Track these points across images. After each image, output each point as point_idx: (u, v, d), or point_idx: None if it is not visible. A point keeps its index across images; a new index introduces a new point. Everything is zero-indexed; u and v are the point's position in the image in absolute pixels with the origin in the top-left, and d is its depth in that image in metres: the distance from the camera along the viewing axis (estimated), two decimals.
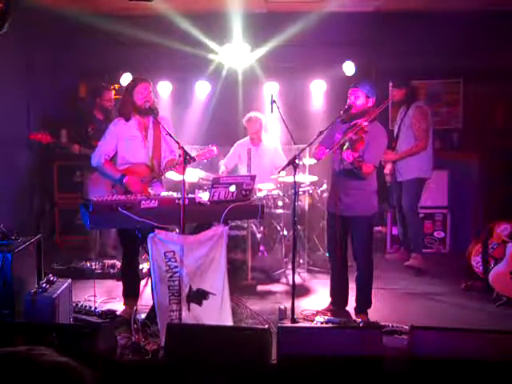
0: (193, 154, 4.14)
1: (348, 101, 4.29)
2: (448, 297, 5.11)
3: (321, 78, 6.87)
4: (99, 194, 4.01)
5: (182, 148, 3.86)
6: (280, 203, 5.86)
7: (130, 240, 4.38)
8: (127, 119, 4.34)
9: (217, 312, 3.95)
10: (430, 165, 5.97)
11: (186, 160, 3.80)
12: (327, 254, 5.69)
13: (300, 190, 5.74)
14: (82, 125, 6.02)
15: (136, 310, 4.38)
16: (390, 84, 5.93)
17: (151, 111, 4.24)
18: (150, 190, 4.26)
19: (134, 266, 4.59)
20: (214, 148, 4.48)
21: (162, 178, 4.53)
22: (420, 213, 6.80)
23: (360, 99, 4.24)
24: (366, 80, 4.48)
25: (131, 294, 4.55)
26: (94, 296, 4.69)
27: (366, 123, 4.13)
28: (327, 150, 4.36)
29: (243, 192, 4.01)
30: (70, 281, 4.17)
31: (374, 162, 4.19)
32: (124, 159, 4.36)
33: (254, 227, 5.64)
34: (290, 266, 5.04)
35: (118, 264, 5.35)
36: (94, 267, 5.53)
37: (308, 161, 5.65)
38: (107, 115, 5.90)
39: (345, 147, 4.10)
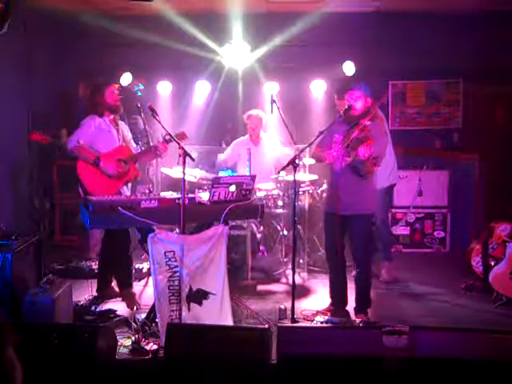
0: (193, 155, 4.16)
1: (346, 103, 4.30)
2: (448, 297, 5.11)
3: (321, 78, 6.87)
4: (93, 189, 4.32)
5: (182, 148, 3.86)
6: (280, 203, 5.86)
7: (119, 242, 4.47)
8: (101, 116, 4.63)
9: (217, 312, 3.95)
10: (396, 170, 5.68)
11: (183, 156, 3.87)
12: (319, 254, 5.71)
13: (300, 189, 5.74)
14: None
15: (136, 310, 4.38)
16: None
17: (120, 109, 4.66)
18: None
19: (122, 256, 4.70)
20: (184, 132, 4.62)
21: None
22: (420, 213, 6.82)
23: (359, 101, 4.26)
24: (360, 80, 4.48)
25: (126, 286, 4.66)
26: (92, 295, 4.69)
27: (368, 122, 4.14)
28: (334, 153, 4.27)
29: (243, 192, 4.01)
30: (70, 281, 4.17)
31: (376, 160, 4.20)
32: (104, 148, 4.59)
33: (254, 227, 5.63)
34: (290, 266, 5.04)
35: None
36: (93, 267, 5.53)
37: (308, 161, 5.65)
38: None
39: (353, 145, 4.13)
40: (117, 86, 4.70)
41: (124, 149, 4.68)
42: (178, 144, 3.92)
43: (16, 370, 1.44)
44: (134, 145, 4.88)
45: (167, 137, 4.30)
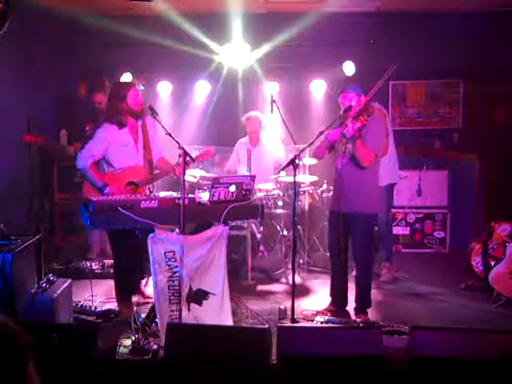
0: (192, 154, 4.15)
1: (342, 106, 4.34)
2: (448, 297, 5.11)
3: (321, 78, 6.87)
4: (92, 195, 4.04)
5: (182, 148, 3.86)
6: (280, 203, 5.86)
7: (124, 243, 4.39)
8: (121, 127, 4.31)
9: (217, 312, 3.95)
10: (396, 168, 5.70)
11: (186, 161, 3.82)
12: (328, 254, 5.71)
13: (300, 190, 5.74)
14: (81, 125, 6.04)
15: (136, 310, 4.38)
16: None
17: (146, 112, 4.27)
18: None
19: (130, 268, 4.57)
20: (211, 149, 4.47)
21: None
22: (420, 213, 6.82)
23: (352, 101, 4.31)
24: (351, 81, 4.52)
25: (127, 297, 4.54)
26: (91, 296, 4.69)
27: (366, 118, 4.20)
28: (328, 148, 4.47)
29: (243, 192, 4.02)
30: (69, 281, 4.17)
31: (374, 148, 4.24)
32: (119, 164, 4.35)
33: (254, 227, 5.63)
34: (289, 266, 5.04)
35: None
36: (93, 267, 5.54)
37: (308, 161, 5.66)
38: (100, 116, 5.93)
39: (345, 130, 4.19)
40: (139, 87, 4.37)
41: (138, 169, 4.35)
42: (178, 143, 3.91)
43: None
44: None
45: (187, 159, 3.90)
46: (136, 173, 4.34)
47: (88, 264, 5.61)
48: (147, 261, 3.87)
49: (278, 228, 5.91)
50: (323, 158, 4.66)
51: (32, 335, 1.48)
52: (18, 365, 1.40)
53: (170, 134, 4.01)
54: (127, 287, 4.56)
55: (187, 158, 3.88)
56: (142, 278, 4.77)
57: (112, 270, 5.39)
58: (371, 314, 4.47)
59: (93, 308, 4.45)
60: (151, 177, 4.42)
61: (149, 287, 5.09)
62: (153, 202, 3.82)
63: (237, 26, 6.48)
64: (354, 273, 4.79)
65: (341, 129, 4.30)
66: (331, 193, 5.73)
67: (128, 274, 4.55)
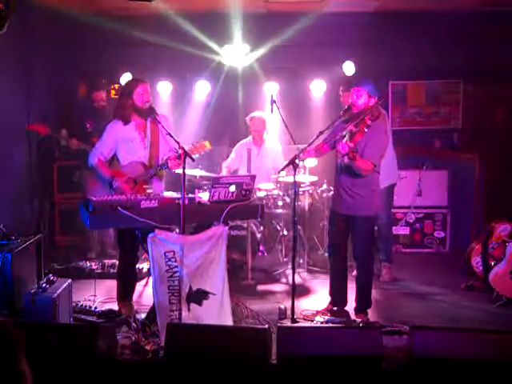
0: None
1: (350, 99, 4.29)
2: (448, 297, 5.11)
3: (321, 78, 6.87)
4: (97, 194, 4.01)
5: (182, 148, 3.86)
6: (280, 203, 5.86)
7: (129, 243, 4.38)
8: (126, 123, 4.30)
9: (217, 312, 3.95)
10: (396, 169, 5.66)
11: (183, 156, 3.81)
12: (327, 255, 5.72)
13: (300, 190, 5.74)
14: (81, 123, 6.05)
15: (136, 309, 4.38)
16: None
17: (151, 111, 4.23)
18: (148, 189, 4.26)
19: (132, 269, 4.58)
20: (206, 143, 4.38)
21: (162, 175, 4.51)
22: (420, 213, 6.82)
23: (362, 98, 4.23)
24: (369, 80, 4.45)
25: (127, 297, 4.53)
26: (94, 296, 4.70)
27: (369, 122, 4.11)
28: (328, 148, 4.44)
29: (243, 192, 4.02)
30: (69, 281, 4.17)
31: (373, 159, 4.18)
32: (124, 160, 4.34)
33: (254, 227, 5.63)
34: (290, 266, 5.04)
35: None
36: (94, 267, 5.53)
37: (308, 162, 5.65)
38: (100, 114, 5.94)
39: (344, 140, 4.11)
40: (146, 83, 4.28)
41: (136, 165, 4.29)
42: (178, 144, 3.91)
43: (28, 382, 1.45)
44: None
45: (180, 150, 3.89)
46: (133, 169, 4.29)
47: (88, 264, 5.61)
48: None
49: (278, 228, 5.91)
50: (325, 154, 4.59)
51: (29, 333, 1.48)
52: (9, 358, 1.40)
53: (170, 134, 4.01)
54: (129, 287, 4.57)
55: (180, 151, 3.88)
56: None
57: (112, 270, 5.42)
58: (371, 314, 4.48)
59: (93, 308, 4.45)
60: (149, 172, 4.32)
61: (149, 287, 5.10)
62: (153, 201, 3.83)
63: (237, 25, 6.47)
64: (354, 273, 4.80)
65: (338, 133, 4.27)
66: (331, 192, 5.75)
67: (130, 273, 4.56)
